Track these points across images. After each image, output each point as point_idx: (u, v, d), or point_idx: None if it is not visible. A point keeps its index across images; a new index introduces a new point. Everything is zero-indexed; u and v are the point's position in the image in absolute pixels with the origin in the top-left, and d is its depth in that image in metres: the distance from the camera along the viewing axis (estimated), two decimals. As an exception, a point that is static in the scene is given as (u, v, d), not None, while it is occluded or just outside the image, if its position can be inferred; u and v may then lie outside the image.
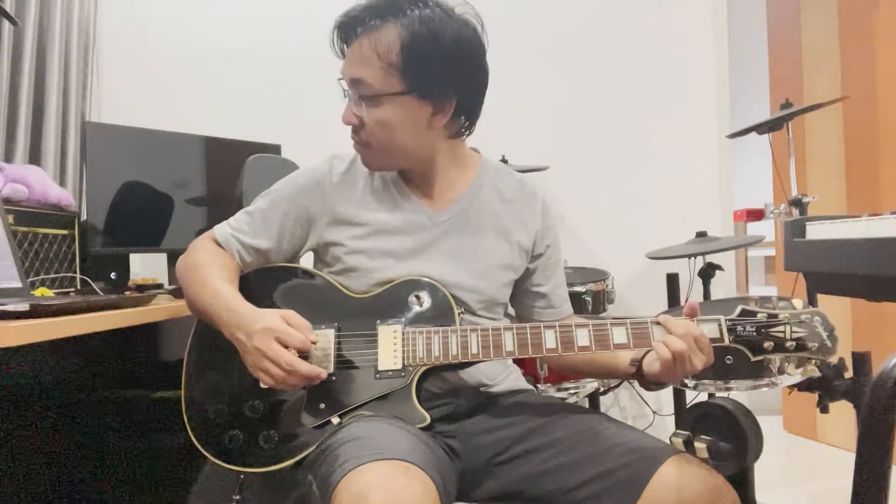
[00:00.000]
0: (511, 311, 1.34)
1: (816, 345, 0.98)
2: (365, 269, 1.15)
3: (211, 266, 1.14)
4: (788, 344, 0.99)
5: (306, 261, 1.26)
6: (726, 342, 1.01)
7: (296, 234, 1.19)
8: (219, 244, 1.19)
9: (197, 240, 1.22)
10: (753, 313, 1.00)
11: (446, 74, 1.09)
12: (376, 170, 1.19)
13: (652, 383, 1.08)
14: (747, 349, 1.01)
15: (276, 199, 1.20)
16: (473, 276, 1.17)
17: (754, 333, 1.00)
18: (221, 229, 1.20)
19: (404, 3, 1.08)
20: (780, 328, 0.99)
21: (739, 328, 1.00)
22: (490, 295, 1.20)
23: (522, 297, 1.29)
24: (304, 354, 1.01)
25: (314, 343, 1.02)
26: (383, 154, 1.15)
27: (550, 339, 1.04)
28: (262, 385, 1.06)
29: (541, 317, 1.28)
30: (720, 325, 1.01)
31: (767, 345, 0.99)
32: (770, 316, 1.00)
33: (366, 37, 1.09)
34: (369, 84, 1.08)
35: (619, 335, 1.03)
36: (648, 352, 1.07)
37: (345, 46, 1.13)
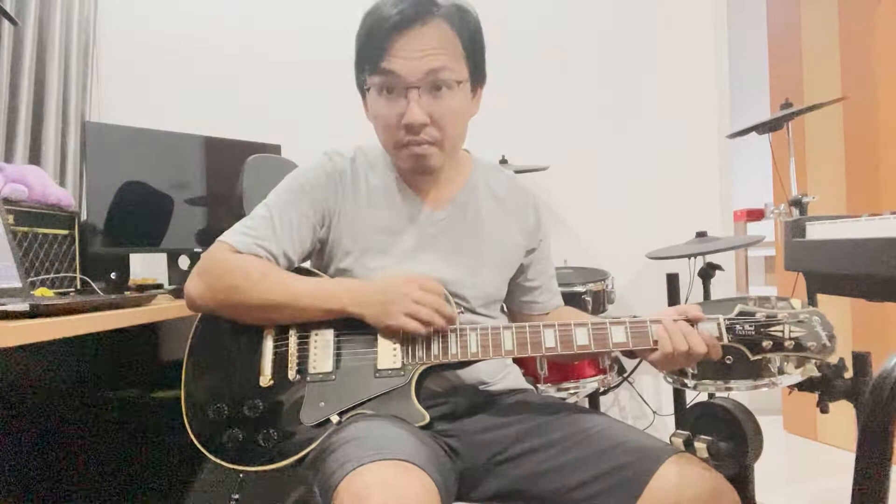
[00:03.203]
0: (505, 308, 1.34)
1: (815, 344, 0.98)
2: (364, 267, 1.15)
3: (269, 270, 1.09)
4: (787, 343, 0.99)
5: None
6: (725, 341, 1.01)
7: (315, 231, 1.16)
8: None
9: (215, 258, 1.11)
10: (752, 313, 1.01)
11: (484, 58, 1.14)
12: (435, 170, 1.16)
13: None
14: (746, 348, 1.01)
15: (293, 199, 1.15)
16: (472, 274, 1.18)
17: (753, 333, 1.00)
18: (241, 241, 1.12)
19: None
20: (779, 327, 0.99)
21: (738, 327, 1.01)
22: (489, 291, 1.20)
23: (515, 292, 1.30)
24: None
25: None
26: (450, 148, 1.14)
27: (550, 339, 1.04)
28: (262, 383, 1.07)
29: (532, 310, 1.30)
30: (719, 325, 1.01)
31: (766, 344, 1.00)
32: (769, 315, 1.00)
33: (428, 27, 1.06)
34: (451, 69, 1.08)
35: (618, 334, 1.03)
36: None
37: (399, 39, 1.05)
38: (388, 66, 1.07)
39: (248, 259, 1.11)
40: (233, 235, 1.13)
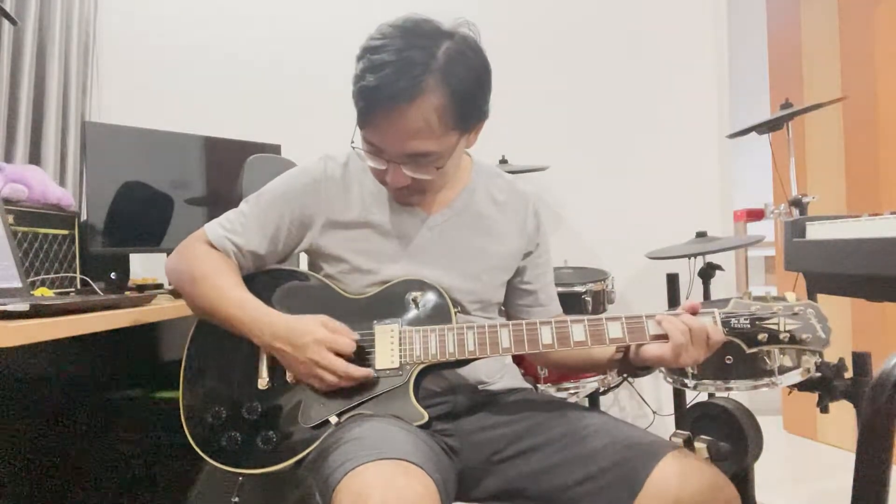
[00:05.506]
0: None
1: (810, 336, 0.99)
2: (360, 270, 1.15)
3: (222, 275, 1.12)
4: (782, 336, 1.00)
5: (302, 262, 1.26)
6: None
7: (291, 235, 1.18)
8: (213, 246, 1.17)
9: (189, 244, 1.19)
10: (747, 306, 1.02)
11: (485, 98, 1.09)
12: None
13: (638, 369, 1.09)
14: (742, 341, 1.02)
15: (271, 200, 1.18)
16: (467, 278, 1.17)
17: (748, 326, 1.01)
18: (214, 231, 1.17)
19: (424, 43, 1.01)
20: (774, 320, 1.00)
21: (733, 321, 1.02)
22: (484, 296, 1.20)
23: (511, 294, 1.29)
24: None
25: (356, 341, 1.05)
26: (439, 186, 1.17)
27: (546, 335, 1.04)
28: (260, 385, 1.07)
29: (529, 315, 1.29)
30: (714, 318, 1.02)
31: (762, 337, 1.00)
32: (763, 308, 1.01)
33: (412, 107, 0.99)
34: (433, 152, 1.05)
35: (614, 330, 1.03)
36: None
37: (381, 113, 1.01)
38: (370, 137, 1.06)
39: (208, 256, 1.15)
40: (211, 226, 1.19)
